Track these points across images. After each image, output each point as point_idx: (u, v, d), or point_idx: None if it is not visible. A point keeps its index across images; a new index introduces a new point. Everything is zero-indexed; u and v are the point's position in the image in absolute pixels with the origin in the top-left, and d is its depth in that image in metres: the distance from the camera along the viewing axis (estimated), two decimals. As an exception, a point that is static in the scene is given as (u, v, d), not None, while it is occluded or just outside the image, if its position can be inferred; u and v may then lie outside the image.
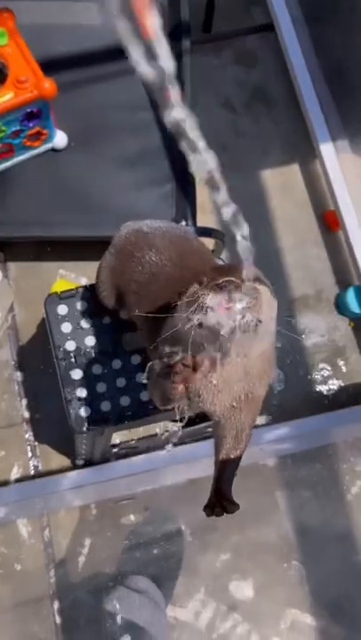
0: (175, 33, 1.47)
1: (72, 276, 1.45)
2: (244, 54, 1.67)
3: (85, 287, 1.05)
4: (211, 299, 0.65)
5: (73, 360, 1.02)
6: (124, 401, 1.01)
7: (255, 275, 0.68)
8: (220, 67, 1.66)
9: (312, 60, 1.60)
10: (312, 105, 1.57)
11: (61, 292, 1.05)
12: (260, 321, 0.67)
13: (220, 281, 0.65)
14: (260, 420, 1.37)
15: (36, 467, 1.35)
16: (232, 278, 0.66)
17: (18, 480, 1.33)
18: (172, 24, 1.49)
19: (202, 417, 1.21)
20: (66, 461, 1.35)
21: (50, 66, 1.36)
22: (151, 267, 0.88)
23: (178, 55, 1.46)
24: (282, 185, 1.56)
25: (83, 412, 1.00)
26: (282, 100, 1.63)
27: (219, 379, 0.71)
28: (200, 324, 0.65)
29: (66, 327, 1.03)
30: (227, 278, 0.66)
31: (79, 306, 1.04)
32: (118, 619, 1.14)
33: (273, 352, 0.76)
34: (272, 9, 1.65)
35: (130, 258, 0.91)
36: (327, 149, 1.51)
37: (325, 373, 1.43)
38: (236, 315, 0.65)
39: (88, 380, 1.01)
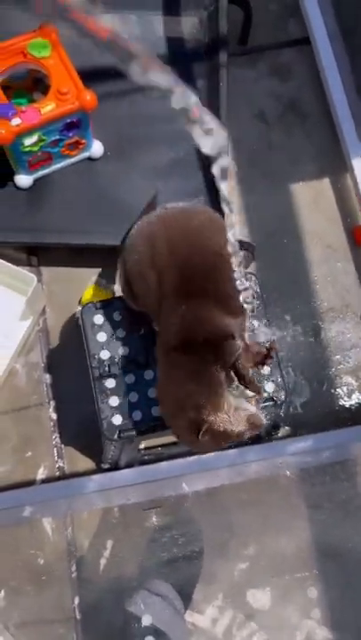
0: (213, 46, 1.50)
1: (103, 282, 1.48)
2: (279, 67, 1.69)
3: (121, 298, 1.08)
4: None
5: (107, 369, 1.05)
6: (155, 411, 1.03)
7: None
8: (254, 79, 1.67)
9: (347, 75, 1.61)
10: (345, 119, 1.58)
11: (97, 302, 1.08)
12: None
13: None
14: (282, 432, 1.39)
15: (61, 468, 1.38)
16: None
17: (44, 480, 1.36)
18: (210, 38, 1.51)
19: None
20: (91, 464, 1.37)
21: (89, 77, 1.39)
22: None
23: (215, 68, 1.48)
24: (312, 198, 1.58)
25: (114, 420, 1.02)
26: (315, 114, 1.64)
27: None
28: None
29: (101, 336, 1.06)
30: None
31: (115, 316, 1.07)
32: (142, 621, 1.17)
33: None
34: (308, 23, 1.66)
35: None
36: (359, 164, 1.52)
37: (350, 387, 1.44)
38: None
39: (121, 390, 1.03)
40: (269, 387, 1.09)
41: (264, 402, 1.08)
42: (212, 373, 0.91)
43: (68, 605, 1.28)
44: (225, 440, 0.93)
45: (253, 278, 1.14)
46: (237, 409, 0.94)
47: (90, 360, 1.05)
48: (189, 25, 1.56)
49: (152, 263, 0.98)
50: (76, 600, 1.29)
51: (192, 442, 0.93)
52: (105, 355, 1.05)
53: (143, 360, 1.05)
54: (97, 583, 1.30)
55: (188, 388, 0.90)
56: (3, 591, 1.29)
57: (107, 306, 1.07)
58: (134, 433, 1.02)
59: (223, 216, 0.89)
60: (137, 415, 1.02)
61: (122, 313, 1.07)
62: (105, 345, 1.05)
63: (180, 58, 1.53)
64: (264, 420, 0.95)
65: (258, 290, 1.13)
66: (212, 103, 1.48)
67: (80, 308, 1.19)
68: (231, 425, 0.91)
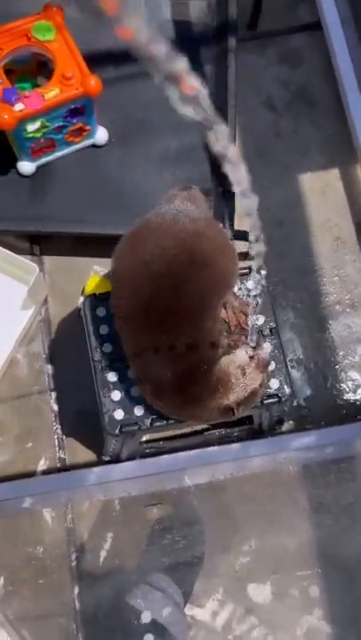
0: (221, 31, 1.46)
1: (106, 272, 1.45)
2: (288, 53, 1.65)
3: (124, 290, 1.05)
4: None
5: (109, 362, 1.03)
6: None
7: None
8: (263, 65, 1.63)
9: (359, 63, 1.57)
10: (356, 108, 1.54)
11: (100, 294, 1.06)
12: None
13: None
14: (286, 426, 1.37)
15: (62, 459, 1.37)
16: None
17: (44, 472, 1.36)
18: (219, 22, 1.48)
19: (229, 422, 1.21)
20: (92, 455, 1.36)
21: (94, 61, 1.36)
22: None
23: (223, 54, 1.44)
24: (321, 189, 1.55)
25: (116, 414, 1.01)
26: (325, 102, 1.61)
27: None
28: None
29: (103, 329, 1.04)
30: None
31: (117, 309, 1.05)
32: (142, 616, 1.16)
33: None
34: (319, 7, 1.62)
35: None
36: (369, 155, 1.49)
37: (355, 382, 1.43)
38: None
39: (123, 384, 1.02)
40: (274, 383, 1.07)
41: (268, 398, 1.07)
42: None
43: (67, 595, 1.28)
44: (255, 399, 1.01)
45: (263, 273, 1.12)
46: (241, 366, 0.98)
47: (92, 353, 1.03)
48: (197, 9, 1.52)
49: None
50: (76, 590, 1.28)
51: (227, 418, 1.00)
52: (107, 348, 1.03)
53: (146, 354, 1.03)
54: (97, 574, 1.30)
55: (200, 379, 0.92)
56: (2, 580, 1.28)
57: (109, 298, 1.05)
58: (136, 428, 1.01)
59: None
60: (139, 410, 1.01)
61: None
62: (107, 338, 1.04)
63: (188, 42, 1.48)
64: (267, 353, 1.03)
65: (264, 284, 1.11)
66: (219, 90, 1.44)
67: (82, 299, 1.17)
68: (253, 383, 0.98)
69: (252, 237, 0.90)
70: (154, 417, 1.01)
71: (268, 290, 1.12)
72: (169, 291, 0.94)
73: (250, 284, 1.10)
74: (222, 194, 1.37)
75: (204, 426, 1.30)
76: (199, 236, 0.99)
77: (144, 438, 1.31)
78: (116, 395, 1.01)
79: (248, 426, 1.27)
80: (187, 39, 1.49)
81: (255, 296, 1.08)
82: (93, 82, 1.23)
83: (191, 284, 0.95)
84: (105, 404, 1.01)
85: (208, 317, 0.96)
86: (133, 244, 0.99)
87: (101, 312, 1.04)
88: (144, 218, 1.02)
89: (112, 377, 1.02)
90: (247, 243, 1.29)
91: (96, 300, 1.05)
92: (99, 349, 1.03)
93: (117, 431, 1.01)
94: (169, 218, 0.99)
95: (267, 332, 1.09)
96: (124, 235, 1.02)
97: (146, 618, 1.19)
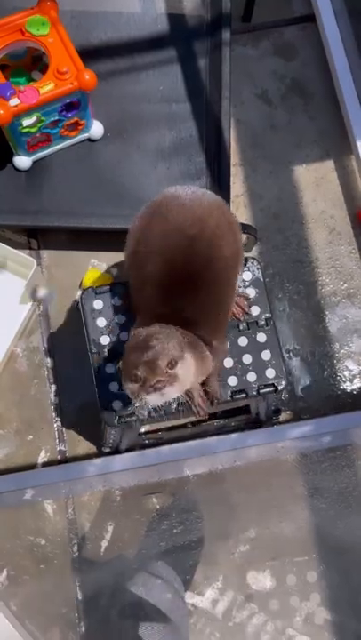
0: (215, 24, 1.46)
1: (103, 266, 1.47)
2: (282, 46, 1.65)
3: (121, 283, 1.07)
4: (150, 399, 0.87)
5: (107, 354, 1.04)
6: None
7: (174, 358, 0.87)
8: (257, 58, 1.64)
9: (353, 54, 1.57)
10: (350, 100, 1.55)
11: (97, 287, 1.07)
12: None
13: (154, 382, 0.86)
14: (283, 416, 1.39)
15: (62, 451, 1.38)
16: (161, 378, 0.86)
17: (45, 464, 1.37)
18: (213, 15, 1.48)
19: (227, 412, 1.23)
20: (92, 447, 1.38)
21: (88, 54, 1.36)
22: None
23: (217, 47, 1.44)
24: (316, 181, 1.55)
25: (114, 406, 1.02)
26: (319, 94, 1.61)
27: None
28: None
29: (101, 322, 1.05)
30: (157, 379, 0.86)
31: (115, 301, 1.06)
32: (142, 604, 1.18)
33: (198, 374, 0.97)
34: (314, 0, 1.62)
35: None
36: (364, 146, 1.50)
37: (352, 372, 1.44)
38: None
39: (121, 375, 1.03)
40: (270, 373, 1.08)
41: (264, 388, 1.08)
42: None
43: (69, 585, 1.30)
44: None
45: (255, 263, 1.13)
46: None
47: (90, 345, 1.04)
48: (192, 2, 1.53)
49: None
50: (78, 579, 1.30)
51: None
52: (105, 340, 1.04)
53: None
54: (98, 564, 1.31)
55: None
56: (5, 571, 1.30)
57: (107, 291, 1.06)
58: (134, 419, 1.02)
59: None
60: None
61: (122, 298, 1.07)
62: (105, 330, 1.05)
63: (182, 35, 1.49)
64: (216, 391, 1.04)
65: (260, 276, 1.12)
66: (213, 82, 1.45)
67: (80, 292, 1.18)
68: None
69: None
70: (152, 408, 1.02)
71: (264, 281, 1.13)
72: (202, 257, 0.96)
73: (246, 275, 1.12)
74: (217, 185, 1.37)
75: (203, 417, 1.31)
76: (220, 207, 1.03)
77: (143, 429, 1.33)
78: (114, 386, 1.02)
79: (245, 416, 1.29)
80: (181, 32, 1.50)
81: (250, 286, 1.10)
82: (88, 76, 1.23)
83: (221, 252, 0.98)
84: (103, 395, 1.02)
85: (229, 293, 1.01)
86: (161, 214, 1.00)
87: (99, 305, 1.05)
88: (161, 193, 1.04)
89: (110, 369, 1.03)
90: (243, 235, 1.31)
91: (94, 292, 1.06)
92: (96, 341, 1.04)
93: (116, 422, 1.02)
94: (188, 191, 1.02)
95: (262, 322, 1.10)
96: (144, 209, 1.03)
97: (146, 606, 1.21)
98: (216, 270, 0.97)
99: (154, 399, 0.87)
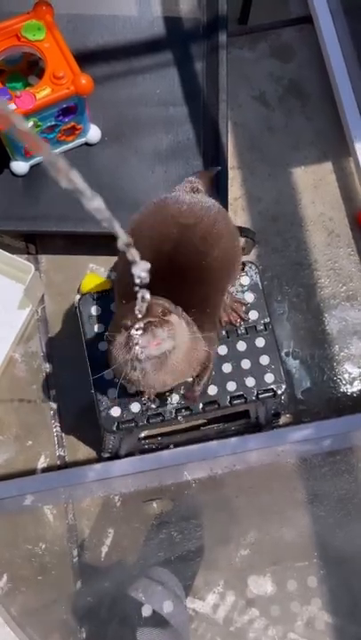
0: (212, 26, 1.46)
1: (102, 270, 1.46)
2: (279, 47, 1.65)
3: (118, 288, 1.06)
4: (141, 341, 0.83)
5: (105, 360, 1.04)
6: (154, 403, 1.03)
7: (166, 308, 0.85)
8: (254, 60, 1.63)
9: (350, 55, 1.57)
10: (348, 101, 1.54)
11: (95, 293, 1.06)
12: (174, 347, 0.85)
13: (144, 324, 0.82)
14: (283, 419, 1.38)
15: (62, 457, 1.38)
16: (151, 319, 0.82)
17: (44, 469, 1.37)
18: (209, 17, 1.47)
19: (227, 417, 1.22)
20: (92, 452, 1.38)
21: (85, 58, 1.36)
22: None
23: (214, 49, 1.44)
24: (314, 183, 1.55)
25: (113, 412, 1.02)
26: (317, 96, 1.61)
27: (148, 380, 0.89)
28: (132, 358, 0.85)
29: (99, 327, 1.05)
30: (147, 320, 0.82)
31: (112, 307, 1.06)
32: (143, 609, 1.18)
33: (191, 349, 0.93)
34: (310, 1, 1.62)
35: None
36: (362, 148, 1.49)
37: (351, 375, 1.44)
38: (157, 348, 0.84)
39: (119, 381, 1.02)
40: (269, 378, 1.08)
41: (263, 393, 1.08)
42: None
43: (69, 591, 1.30)
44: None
45: (253, 268, 1.13)
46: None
47: (87, 351, 1.04)
48: (188, 3, 1.52)
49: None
50: (78, 585, 1.30)
51: None
52: (103, 346, 1.04)
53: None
54: (98, 569, 1.31)
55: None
56: (5, 577, 1.30)
57: (104, 297, 1.06)
58: (133, 425, 1.02)
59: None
60: (135, 407, 1.02)
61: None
62: (103, 336, 1.04)
63: (178, 38, 1.49)
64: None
65: (258, 281, 1.12)
66: (210, 85, 1.44)
67: (78, 297, 1.18)
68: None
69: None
70: (150, 414, 1.02)
71: (262, 285, 1.13)
72: (193, 249, 0.96)
73: (244, 279, 1.11)
74: (214, 188, 1.37)
75: (202, 421, 1.31)
76: (222, 212, 1.04)
77: (143, 434, 1.32)
78: (113, 392, 1.02)
79: (245, 420, 1.28)
80: (177, 35, 1.49)
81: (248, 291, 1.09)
82: (85, 80, 1.23)
83: (215, 250, 0.98)
84: (101, 401, 1.02)
85: (221, 290, 1.02)
86: (157, 206, 1.02)
87: (97, 310, 1.05)
88: (162, 196, 1.06)
89: (108, 375, 1.03)
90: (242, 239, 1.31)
91: (91, 298, 1.06)
92: (95, 347, 1.04)
93: (114, 428, 1.01)
94: (187, 196, 1.05)
95: (261, 327, 1.10)
96: (143, 208, 1.04)
97: (147, 611, 1.20)
98: (207, 268, 0.97)
99: (145, 344, 0.81)
